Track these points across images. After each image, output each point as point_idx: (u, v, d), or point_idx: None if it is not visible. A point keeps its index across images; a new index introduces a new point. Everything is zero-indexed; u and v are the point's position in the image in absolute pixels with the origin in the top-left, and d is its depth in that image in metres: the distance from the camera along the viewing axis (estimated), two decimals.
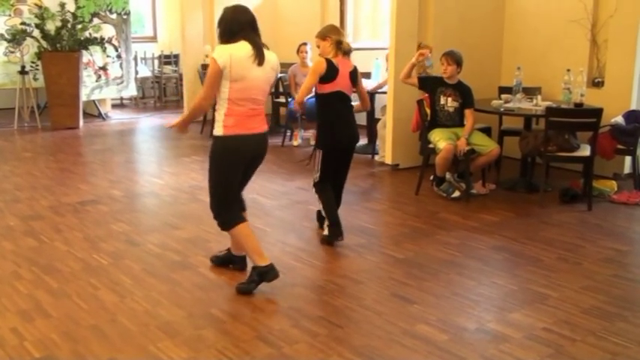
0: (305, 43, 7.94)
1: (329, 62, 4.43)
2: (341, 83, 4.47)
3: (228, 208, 3.74)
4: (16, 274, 3.96)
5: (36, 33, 8.82)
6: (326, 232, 4.58)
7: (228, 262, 4.07)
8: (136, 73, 11.06)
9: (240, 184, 3.85)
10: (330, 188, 4.63)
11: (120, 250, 4.39)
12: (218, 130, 3.60)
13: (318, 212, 4.77)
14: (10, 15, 9.08)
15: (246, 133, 3.62)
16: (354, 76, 4.54)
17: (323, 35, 4.51)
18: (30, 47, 9.07)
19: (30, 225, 4.90)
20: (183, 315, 3.43)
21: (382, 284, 3.87)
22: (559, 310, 3.50)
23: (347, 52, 4.49)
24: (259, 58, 3.54)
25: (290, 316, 3.42)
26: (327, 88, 4.45)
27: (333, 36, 4.46)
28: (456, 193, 5.64)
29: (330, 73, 4.41)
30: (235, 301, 3.68)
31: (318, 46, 4.55)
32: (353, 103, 4.70)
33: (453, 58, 5.60)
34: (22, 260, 4.19)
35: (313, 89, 4.57)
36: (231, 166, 3.66)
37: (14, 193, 5.77)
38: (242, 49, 3.51)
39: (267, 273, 3.70)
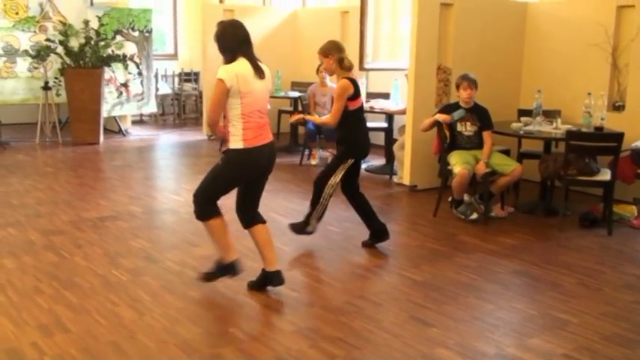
0: None
1: (352, 81, 4.57)
2: (361, 97, 4.74)
3: (211, 203, 3.85)
4: (36, 288, 4.00)
5: (60, 49, 8.94)
6: (310, 229, 4.87)
7: (265, 283, 4.00)
8: (157, 90, 11.17)
9: (254, 198, 3.98)
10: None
11: (139, 267, 4.42)
12: (237, 144, 3.73)
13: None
14: (35, 32, 9.24)
15: (263, 144, 3.79)
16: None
17: (325, 52, 4.65)
18: (53, 63, 9.20)
19: (51, 240, 4.95)
20: (201, 333, 3.44)
21: (400, 306, 3.86)
22: (579, 336, 3.47)
23: (349, 69, 4.64)
24: (259, 72, 3.74)
25: (308, 336, 3.42)
26: (357, 104, 4.65)
27: (335, 54, 4.61)
28: (474, 215, 5.62)
29: (357, 90, 4.62)
30: (253, 320, 3.69)
31: (322, 62, 4.72)
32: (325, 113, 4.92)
33: (474, 83, 5.61)
34: (43, 275, 4.22)
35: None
36: (242, 177, 3.84)
37: (35, 208, 5.83)
38: (244, 66, 3.70)
39: (231, 269, 3.93)
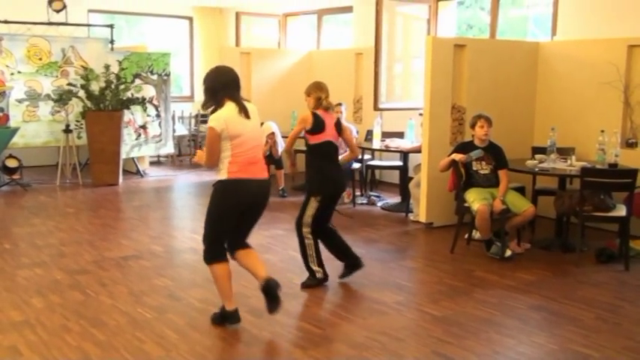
0: (340, 104, 8.12)
1: (315, 115, 4.83)
2: (329, 134, 4.88)
3: (216, 244, 4.04)
4: (65, 327, 4.08)
5: (81, 93, 9.16)
6: (319, 275, 4.88)
7: (270, 296, 4.03)
8: (174, 131, 11.37)
9: (241, 231, 4.13)
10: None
11: (163, 305, 4.50)
12: (222, 175, 3.96)
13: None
14: (57, 76, 9.49)
15: (248, 178, 3.98)
16: (339, 126, 4.95)
17: (307, 92, 4.96)
18: (74, 107, 9.42)
19: (76, 279, 5.05)
20: None
21: (422, 342, 3.91)
22: None
23: (326, 108, 4.90)
24: (244, 112, 3.95)
25: None
26: (319, 139, 4.85)
27: (314, 93, 4.90)
28: (508, 253, 5.62)
29: (318, 125, 4.82)
30: (278, 356, 3.75)
31: (306, 101, 4.96)
32: (341, 153, 5.14)
33: (489, 121, 5.74)
34: (70, 313, 4.31)
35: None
36: (230, 208, 3.99)
37: (59, 248, 5.95)
38: (231, 109, 3.92)
39: (230, 317, 4.05)
